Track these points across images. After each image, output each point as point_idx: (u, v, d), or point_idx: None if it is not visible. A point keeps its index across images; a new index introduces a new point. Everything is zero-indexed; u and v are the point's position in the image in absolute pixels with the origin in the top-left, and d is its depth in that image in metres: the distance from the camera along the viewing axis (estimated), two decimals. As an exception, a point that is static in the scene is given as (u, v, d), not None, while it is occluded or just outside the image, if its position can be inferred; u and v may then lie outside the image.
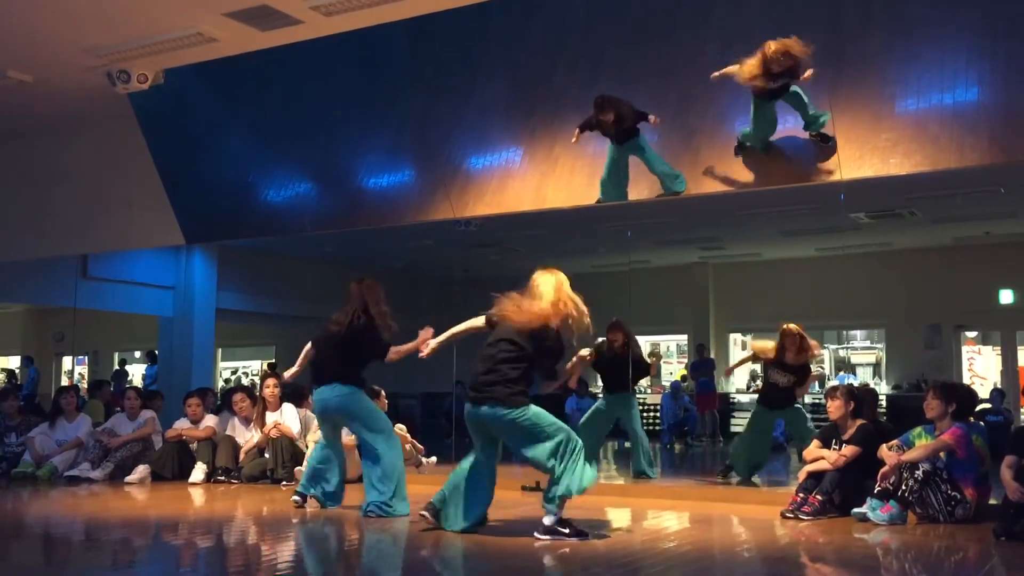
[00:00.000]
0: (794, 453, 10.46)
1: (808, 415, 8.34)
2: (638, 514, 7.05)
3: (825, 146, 7.41)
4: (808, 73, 7.03)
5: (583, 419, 9.31)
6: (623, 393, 9.09)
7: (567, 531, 5.39)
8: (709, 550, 5.60)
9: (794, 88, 7.29)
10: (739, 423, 14.01)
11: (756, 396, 9.59)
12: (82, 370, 21.91)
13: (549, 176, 8.56)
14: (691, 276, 17.58)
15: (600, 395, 9.81)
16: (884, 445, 6.52)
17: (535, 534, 5.42)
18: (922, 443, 6.44)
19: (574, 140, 7.97)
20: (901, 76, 7.34)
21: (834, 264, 16.19)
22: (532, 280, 5.69)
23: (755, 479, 8.53)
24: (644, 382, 18.47)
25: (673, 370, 18.92)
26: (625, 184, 8.11)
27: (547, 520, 5.41)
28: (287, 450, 8.50)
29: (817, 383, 17.50)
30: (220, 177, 10.63)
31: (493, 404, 5.43)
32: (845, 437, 6.79)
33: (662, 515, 6.88)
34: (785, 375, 8.22)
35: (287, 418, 8.66)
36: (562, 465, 5.39)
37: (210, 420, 9.13)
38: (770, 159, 7.67)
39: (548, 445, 5.42)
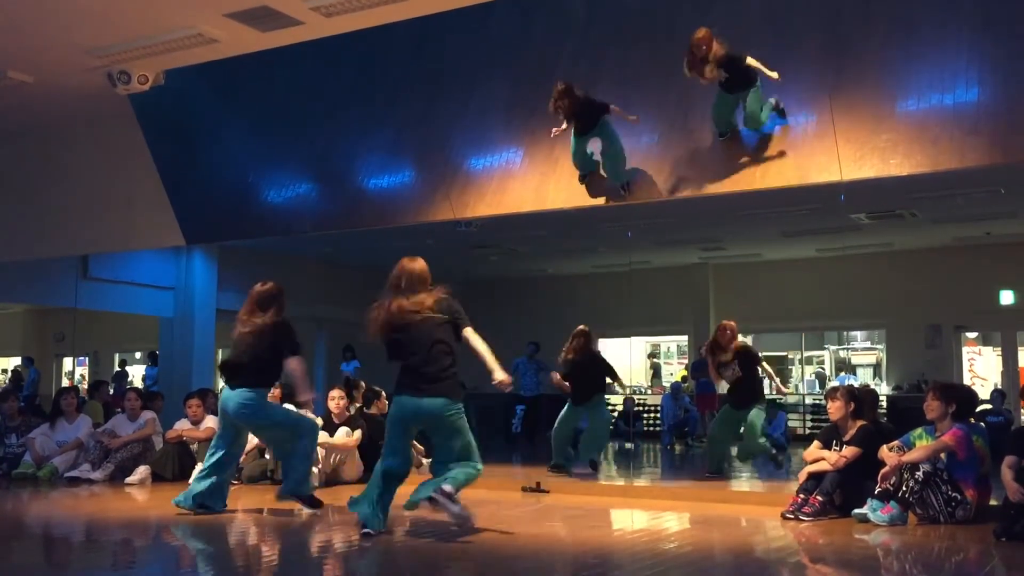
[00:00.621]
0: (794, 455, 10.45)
1: (760, 422, 8.61)
2: (638, 514, 7.05)
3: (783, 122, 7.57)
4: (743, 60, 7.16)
5: (560, 418, 9.37)
6: (582, 405, 9.18)
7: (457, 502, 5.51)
8: (709, 551, 5.60)
9: (751, 98, 7.36)
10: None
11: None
12: (82, 371, 21.93)
13: (549, 176, 8.56)
14: (691, 276, 17.57)
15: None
16: (884, 446, 6.52)
17: (432, 494, 5.45)
18: (922, 444, 6.44)
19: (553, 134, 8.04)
20: (901, 76, 7.34)
21: (834, 264, 16.22)
22: (403, 271, 5.72)
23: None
24: (644, 382, 18.56)
25: (673, 371, 18.92)
26: (592, 164, 8.19)
27: (447, 487, 5.45)
28: (287, 451, 8.48)
29: (817, 383, 17.58)
30: (220, 177, 10.62)
31: (443, 397, 5.53)
32: (846, 438, 6.78)
33: (662, 515, 6.88)
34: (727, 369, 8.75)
35: (287, 419, 8.63)
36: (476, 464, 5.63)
37: (210, 421, 9.11)
38: (770, 159, 7.67)
39: (470, 442, 5.65)
